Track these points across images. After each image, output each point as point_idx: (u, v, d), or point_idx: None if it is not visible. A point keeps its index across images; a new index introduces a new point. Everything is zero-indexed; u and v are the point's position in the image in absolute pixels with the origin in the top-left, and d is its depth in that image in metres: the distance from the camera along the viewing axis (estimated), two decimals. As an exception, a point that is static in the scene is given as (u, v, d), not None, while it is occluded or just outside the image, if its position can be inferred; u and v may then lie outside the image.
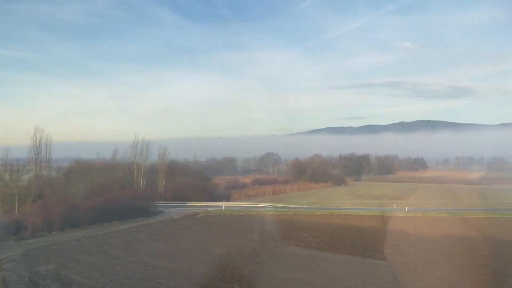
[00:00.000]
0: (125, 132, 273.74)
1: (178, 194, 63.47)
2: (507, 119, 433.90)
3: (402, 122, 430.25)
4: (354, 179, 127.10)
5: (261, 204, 60.57)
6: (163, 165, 69.25)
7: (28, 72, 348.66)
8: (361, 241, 33.54)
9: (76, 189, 57.38)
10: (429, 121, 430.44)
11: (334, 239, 35.62)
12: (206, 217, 49.74)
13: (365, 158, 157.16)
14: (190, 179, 70.08)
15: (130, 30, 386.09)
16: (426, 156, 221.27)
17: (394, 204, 58.22)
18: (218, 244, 35.02)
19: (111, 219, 45.68)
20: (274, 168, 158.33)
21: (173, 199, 61.26)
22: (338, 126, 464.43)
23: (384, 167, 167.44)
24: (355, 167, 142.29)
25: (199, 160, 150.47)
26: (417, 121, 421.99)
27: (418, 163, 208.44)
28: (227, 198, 68.87)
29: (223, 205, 57.33)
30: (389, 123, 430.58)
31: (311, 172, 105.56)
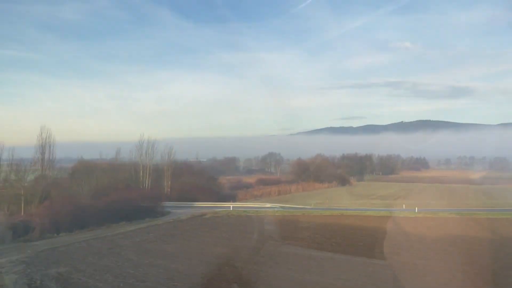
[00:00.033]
0: (125, 132, 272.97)
1: (184, 194, 62.84)
2: (507, 119, 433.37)
3: (402, 122, 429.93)
4: (357, 179, 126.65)
5: (268, 205, 60.02)
6: (169, 165, 68.63)
7: (28, 72, 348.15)
8: (376, 244, 32.95)
9: (81, 189, 56.87)
10: (429, 121, 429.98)
11: (347, 240, 35.10)
12: (214, 217, 49.19)
13: (367, 158, 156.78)
14: (195, 179, 69.48)
15: (130, 30, 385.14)
16: (426, 156, 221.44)
17: (403, 205, 57.74)
18: (229, 245, 34.52)
19: (119, 220, 45.08)
20: (277, 168, 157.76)
21: (179, 199, 60.63)
22: (338, 126, 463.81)
23: (387, 167, 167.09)
24: (358, 167, 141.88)
25: (201, 160, 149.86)
26: (417, 121, 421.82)
27: (420, 163, 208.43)
28: (233, 198, 68.27)
29: (231, 206, 56.76)
30: (389, 123, 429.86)
31: (315, 172, 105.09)
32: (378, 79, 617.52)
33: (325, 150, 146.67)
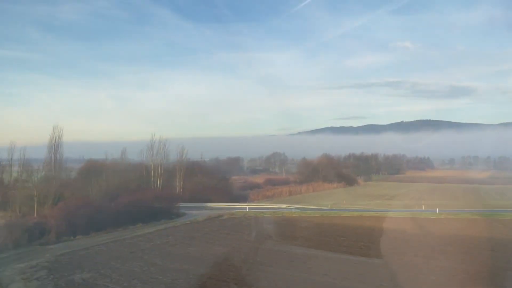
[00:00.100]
0: (127, 132, 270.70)
1: (197, 194, 61.39)
2: (507, 118, 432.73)
3: (402, 121, 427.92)
4: (364, 179, 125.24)
5: (284, 206, 58.74)
6: (181, 165, 67.10)
7: (28, 72, 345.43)
8: (410, 245, 31.80)
9: (90, 190, 55.37)
10: (430, 120, 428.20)
11: (376, 243, 33.70)
12: (231, 219, 47.90)
13: (373, 157, 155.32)
14: (208, 179, 68.00)
15: (130, 30, 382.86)
16: (429, 156, 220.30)
17: (423, 206, 56.46)
18: (255, 249, 33.13)
19: (135, 221, 43.74)
20: (282, 168, 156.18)
21: (191, 200, 59.13)
22: (338, 126, 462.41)
23: (393, 167, 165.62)
24: (364, 167, 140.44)
25: (205, 160, 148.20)
26: (417, 121, 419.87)
27: (424, 163, 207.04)
28: (245, 199, 66.95)
29: (246, 207, 55.42)
30: (389, 123, 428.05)
31: (323, 172, 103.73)
32: (378, 79, 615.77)
33: (327, 150, 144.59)
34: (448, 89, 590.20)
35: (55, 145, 51.68)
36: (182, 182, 65.02)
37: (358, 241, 34.84)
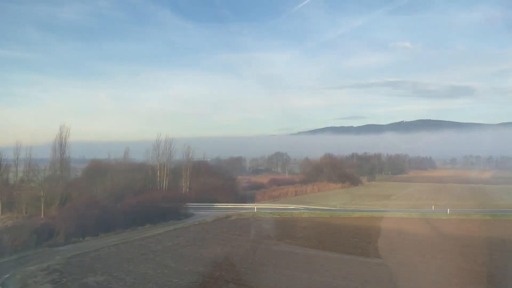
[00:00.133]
0: (128, 132, 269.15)
1: (203, 195, 60.65)
2: (507, 118, 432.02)
3: (402, 121, 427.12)
4: (368, 178, 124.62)
5: (292, 206, 58.09)
6: (188, 165, 66.32)
7: (28, 72, 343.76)
8: (429, 248, 31.13)
9: (95, 190, 54.65)
10: (430, 120, 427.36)
11: (391, 245, 33.11)
12: (240, 220, 47.22)
13: (377, 157, 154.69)
14: (214, 179, 67.29)
15: (130, 30, 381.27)
16: (431, 155, 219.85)
17: (432, 206, 55.83)
18: (269, 251, 32.48)
19: (143, 222, 43.09)
20: (284, 168, 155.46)
21: (197, 200, 58.43)
22: (338, 126, 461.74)
23: (395, 167, 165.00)
24: (367, 167, 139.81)
25: (208, 160, 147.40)
26: (417, 121, 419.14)
27: (426, 162, 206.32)
28: (251, 199, 66.22)
29: (255, 207, 54.70)
30: (389, 122, 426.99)
31: (327, 172, 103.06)
32: (378, 78, 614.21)
33: (328, 150, 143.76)
34: (448, 89, 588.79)
35: (61, 145, 50.75)
36: (188, 182, 64.25)
37: (371, 242, 34.14)
